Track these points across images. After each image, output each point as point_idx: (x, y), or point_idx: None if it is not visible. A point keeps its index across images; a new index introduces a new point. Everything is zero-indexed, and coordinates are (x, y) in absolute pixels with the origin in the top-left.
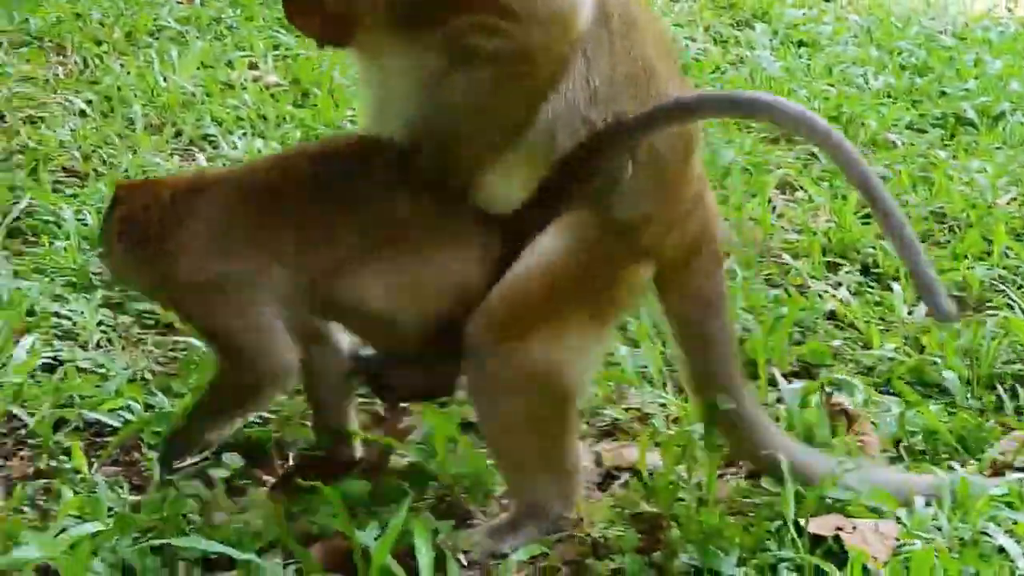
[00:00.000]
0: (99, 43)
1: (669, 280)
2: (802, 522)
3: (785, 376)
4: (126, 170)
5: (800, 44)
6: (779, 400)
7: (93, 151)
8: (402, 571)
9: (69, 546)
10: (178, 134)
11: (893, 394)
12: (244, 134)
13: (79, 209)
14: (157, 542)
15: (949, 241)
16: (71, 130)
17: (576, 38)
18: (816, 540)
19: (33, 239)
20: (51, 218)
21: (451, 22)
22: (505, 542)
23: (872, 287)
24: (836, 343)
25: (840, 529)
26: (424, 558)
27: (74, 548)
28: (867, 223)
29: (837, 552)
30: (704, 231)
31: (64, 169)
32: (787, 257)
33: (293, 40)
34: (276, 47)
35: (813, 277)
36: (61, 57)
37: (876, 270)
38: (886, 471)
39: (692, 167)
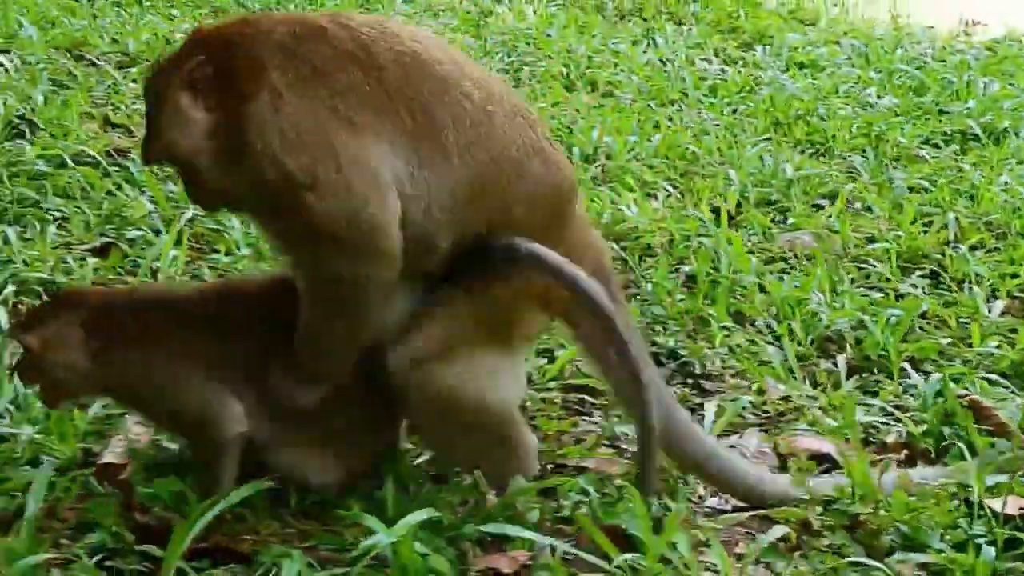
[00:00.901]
0: None
1: (567, 315)
2: (996, 505)
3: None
4: None
5: (801, 66)
6: (905, 391)
7: None
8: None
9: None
10: None
11: (1002, 387)
12: None
13: (243, 220)
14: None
15: (998, 248)
16: None
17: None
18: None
19: (199, 247)
20: (215, 226)
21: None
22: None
23: (947, 289)
24: (944, 341)
25: (1022, 508)
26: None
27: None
28: (926, 230)
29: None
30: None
31: None
32: (873, 262)
33: None
34: None
35: (893, 280)
36: None
37: (945, 273)
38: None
39: (565, 225)
